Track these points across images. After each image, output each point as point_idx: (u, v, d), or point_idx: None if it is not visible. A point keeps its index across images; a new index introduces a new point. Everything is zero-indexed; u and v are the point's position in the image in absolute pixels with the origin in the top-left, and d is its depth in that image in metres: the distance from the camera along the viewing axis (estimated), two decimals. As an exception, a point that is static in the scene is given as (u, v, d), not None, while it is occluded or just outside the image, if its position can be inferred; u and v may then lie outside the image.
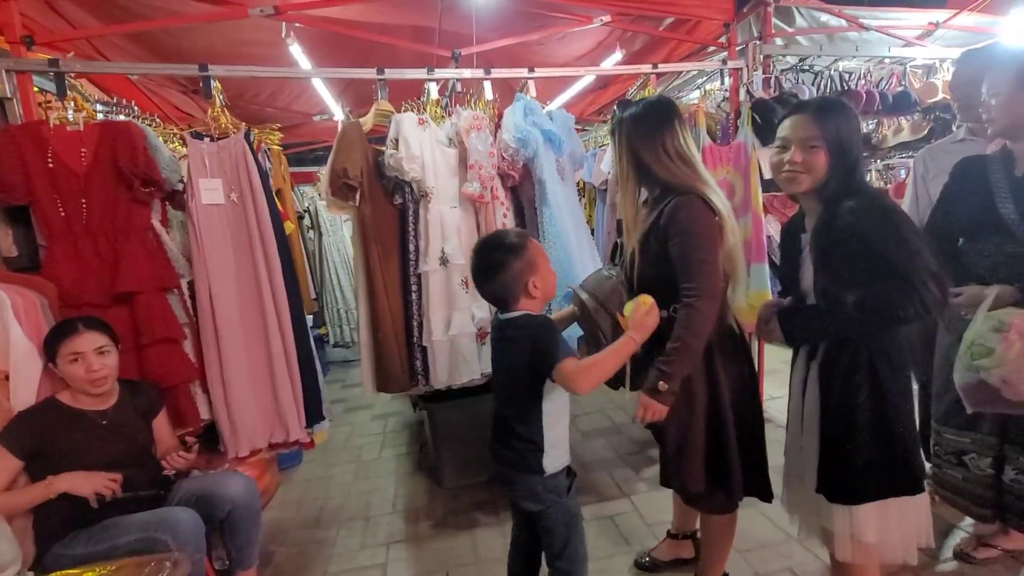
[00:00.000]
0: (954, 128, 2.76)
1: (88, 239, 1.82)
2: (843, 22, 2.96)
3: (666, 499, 1.92)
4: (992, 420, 1.55)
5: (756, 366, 1.54)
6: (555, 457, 1.41)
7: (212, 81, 2.00)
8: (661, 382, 1.38)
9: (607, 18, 2.65)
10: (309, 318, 2.74)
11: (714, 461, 1.49)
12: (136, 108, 2.10)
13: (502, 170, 2.24)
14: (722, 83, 2.84)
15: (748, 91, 2.66)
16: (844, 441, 1.31)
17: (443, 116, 2.33)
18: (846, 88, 2.86)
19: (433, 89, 2.31)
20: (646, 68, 2.64)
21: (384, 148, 2.15)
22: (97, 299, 1.80)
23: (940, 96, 2.87)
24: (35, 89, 1.93)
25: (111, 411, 1.69)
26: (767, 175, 2.58)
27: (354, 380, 4.78)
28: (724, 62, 2.74)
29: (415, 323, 2.24)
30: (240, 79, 2.55)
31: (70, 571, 1.45)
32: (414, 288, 2.23)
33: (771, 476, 1.58)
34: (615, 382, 1.49)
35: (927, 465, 1.67)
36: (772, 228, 2.69)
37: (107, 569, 1.44)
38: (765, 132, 2.48)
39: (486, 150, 2.17)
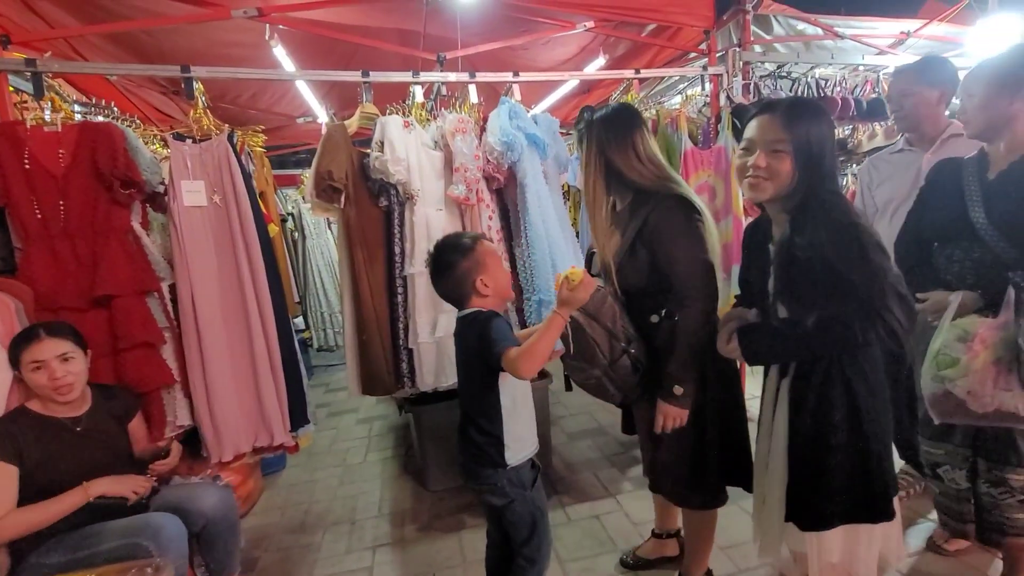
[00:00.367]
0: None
1: (66, 241, 1.78)
2: (819, 30, 3.04)
3: (652, 499, 1.94)
4: (963, 431, 1.49)
5: (738, 363, 1.55)
6: (517, 450, 1.45)
7: (195, 82, 1.98)
8: (676, 386, 1.42)
9: (591, 24, 2.69)
10: (297, 321, 2.71)
11: (697, 460, 1.52)
12: (116, 109, 2.07)
13: (487, 173, 2.26)
14: (703, 88, 2.89)
15: (728, 96, 2.72)
16: (816, 464, 1.24)
17: (428, 119, 2.34)
18: (823, 94, 2.93)
19: (418, 92, 2.32)
20: (629, 73, 2.68)
21: (369, 151, 2.16)
22: (74, 303, 1.76)
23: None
24: (11, 89, 1.89)
25: (84, 417, 1.65)
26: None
27: (338, 384, 4.73)
28: (705, 68, 2.80)
29: (401, 325, 2.24)
30: (221, 80, 2.52)
31: (48, 580, 1.43)
32: (400, 290, 2.23)
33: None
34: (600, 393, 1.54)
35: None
36: (752, 231, 2.74)
37: (87, 576, 1.42)
38: (745, 136, 2.54)
39: (471, 153, 2.19)
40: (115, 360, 1.80)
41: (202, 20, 2.18)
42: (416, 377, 2.24)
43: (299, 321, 4.43)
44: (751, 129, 1.26)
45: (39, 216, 1.75)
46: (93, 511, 1.55)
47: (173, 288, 1.97)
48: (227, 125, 2.10)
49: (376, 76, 2.20)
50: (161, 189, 1.94)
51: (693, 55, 3.06)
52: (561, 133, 2.56)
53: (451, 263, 1.43)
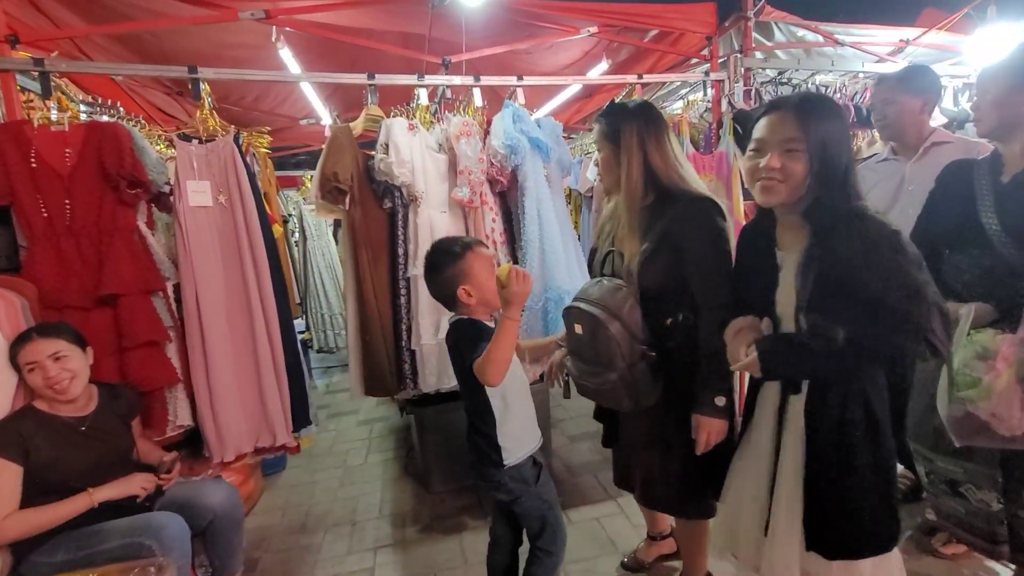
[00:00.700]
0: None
1: (71, 240, 1.79)
2: (819, 37, 3.07)
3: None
4: (989, 451, 1.37)
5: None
6: (512, 450, 1.47)
7: (201, 83, 1.99)
8: (719, 396, 1.37)
9: (594, 29, 2.71)
10: (297, 322, 2.72)
11: (693, 471, 1.50)
12: (122, 109, 2.08)
13: (491, 176, 2.27)
14: (705, 94, 2.91)
15: (730, 102, 2.74)
16: (839, 487, 1.16)
17: (433, 122, 2.35)
18: (823, 101, 2.95)
19: (423, 95, 2.33)
20: (631, 78, 2.70)
21: (374, 153, 2.17)
22: (79, 301, 1.77)
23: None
24: (17, 88, 1.90)
25: (90, 417, 1.66)
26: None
27: (338, 386, 4.73)
28: (706, 74, 2.82)
29: (404, 327, 2.25)
30: (225, 81, 2.53)
31: (50, 578, 1.43)
32: (403, 292, 2.24)
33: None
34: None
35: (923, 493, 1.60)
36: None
37: (90, 575, 1.41)
38: (746, 141, 2.56)
39: (475, 156, 2.20)
40: (120, 359, 1.80)
41: (209, 22, 2.19)
42: (418, 378, 2.25)
43: (299, 323, 4.43)
44: (761, 129, 1.18)
45: (45, 215, 1.76)
46: (97, 509, 1.55)
47: (177, 288, 1.97)
48: (233, 126, 2.11)
49: (381, 79, 2.21)
50: (167, 189, 1.95)
51: (695, 61, 3.08)
52: (563, 137, 2.58)
53: (437, 267, 1.47)
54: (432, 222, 2.20)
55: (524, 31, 2.74)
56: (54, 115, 1.82)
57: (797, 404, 1.22)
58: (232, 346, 2.00)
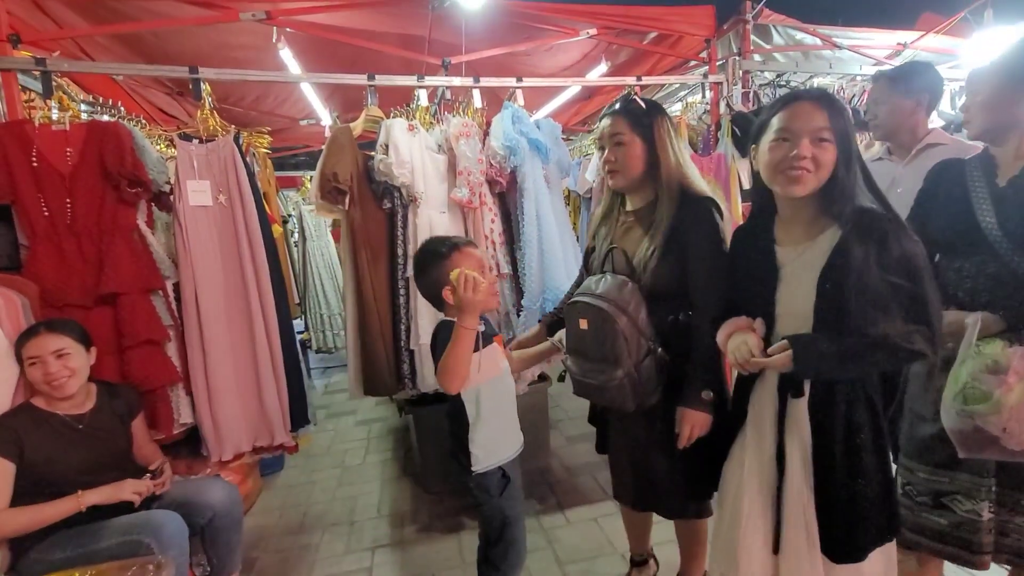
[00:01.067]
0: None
1: (72, 239, 1.79)
2: (818, 40, 3.08)
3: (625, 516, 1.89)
4: (981, 462, 1.32)
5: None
6: (481, 458, 1.46)
7: (202, 83, 2.00)
8: (706, 390, 1.37)
9: (593, 31, 2.72)
10: (296, 322, 2.72)
11: (692, 469, 1.49)
12: (123, 109, 2.09)
13: (490, 176, 2.28)
14: (703, 96, 2.93)
15: (728, 104, 2.75)
16: (848, 489, 1.15)
17: (432, 123, 2.36)
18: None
19: (423, 96, 2.34)
20: (630, 80, 2.71)
21: (374, 153, 2.18)
22: (80, 300, 1.78)
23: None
24: (19, 87, 1.91)
25: (88, 415, 1.66)
26: (746, 185, 2.67)
27: (336, 386, 4.74)
28: (705, 76, 2.83)
29: (403, 327, 2.25)
30: (225, 82, 2.54)
31: (48, 576, 1.43)
32: (402, 292, 2.25)
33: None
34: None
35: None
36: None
37: (89, 573, 1.42)
38: (744, 143, 2.58)
39: (475, 157, 2.21)
40: (120, 358, 1.80)
41: (211, 22, 2.20)
42: (417, 379, 2.25)
43: (298, 323, 4.43)
44: (786, 118, 1.14)
45: (46, 214, 1.76)
46: (96, 507, 1.55)
47: (177, 287, 1.98)
48: (233, 126, 2.12)
49: (382, 80, 2.22)
50: (167, 189, 1.96)
51: (694, 63, 3.10)
52: (563, 139, 2.59)
53: (424, 267, 1.47)
54: (431, 222, 2.21)
55: (523, 33, 2.75)
56: (55, 114, 1.83)
57: (799, 408, 1.19)
58: (231, 345, 2.00)
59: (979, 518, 1.32)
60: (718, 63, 2.85)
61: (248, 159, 2.13)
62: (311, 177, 4.79)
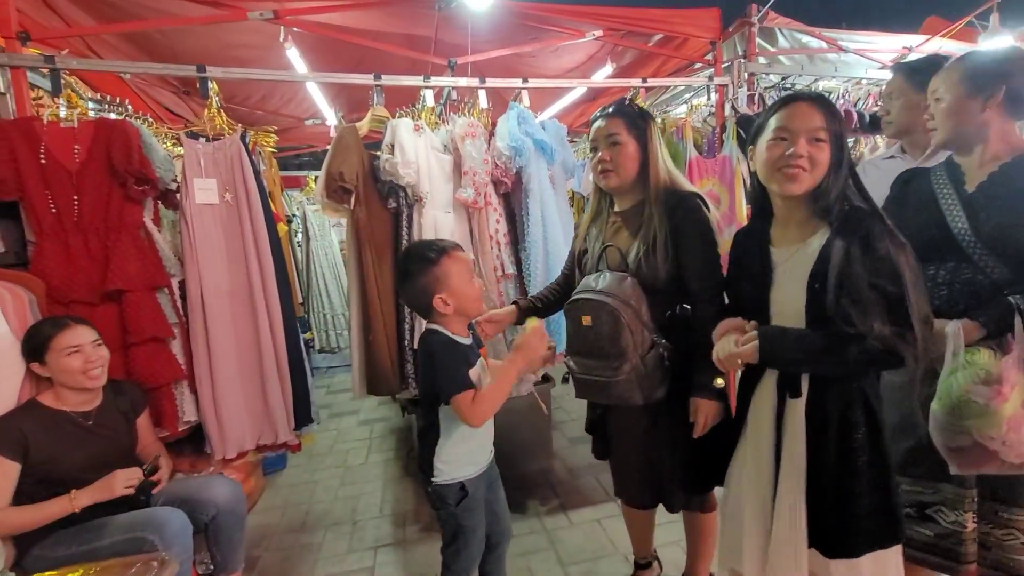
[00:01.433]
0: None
1: (79, 236, 1.80)
2: (823, 43, 3.09)
3: (627, 520, 1.87)
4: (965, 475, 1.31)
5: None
6: (444, 471, 1.45)
7: (209, 82, 2.01)
8: (719, 378, 1.38)
9: (599, 33, 2.72)
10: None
11: (700, 461, 1.50)
12: (130, 107, 2.09)
13: (495, 177, 2.28)
14: (708, 98, 2.93)
15: (733, 107, 2.75)
16: (841, 488, 1.16)
17: (438, 123, 2.36)
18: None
19: (429, 96, 2.34)
20: (636, 82, 2.72)
21: (379, 153, 2.18)
22: (86, 296, 1.78)
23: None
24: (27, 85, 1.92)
25: (95, 412, 1.67)
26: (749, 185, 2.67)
27: (339, 386, 4.74)
28: (710, 78, 2.83)
29: (407, 327, 2.25)
30: (231, 81, 2.56)
31: (52, 573, 1.43)
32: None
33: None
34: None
35: None
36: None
37: (92, 570, 1.42)
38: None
39: (480, 157, 2.21)
40: (125, 355, 1.81)
41: (218, 21, 2.21)
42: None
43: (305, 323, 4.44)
44: (784, 118, 1.16)
45: (53, 211, 1.77)
46: (98, 505, 1.55)
47: (183, 285, 1.98)
48: (240, 125, 2.12)
49: (388, 80, 2.23)
50: (174, 186, 1.96)
51: (699, 65, 3.10)
52: (568, 140, 2.59)
53: (409, 273, 1.42)
54: (436, 222, 2.21)
55: (529, 34, 2.76)
56: (63, 112, 1.84)
57: (796, 407, 1.21)
58: (236, 343, 2.01)
59: (963, 529, 1.31)
60: (723, 65, 2.85)
61: (254, 158, 2.14)
62: (315, 177, 4.82)
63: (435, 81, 2.33)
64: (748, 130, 2.55)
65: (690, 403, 1.43)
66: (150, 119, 2.26)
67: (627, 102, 1.57)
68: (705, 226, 1.46)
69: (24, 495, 1.50)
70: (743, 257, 1.34)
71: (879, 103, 1.94)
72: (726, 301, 1.44)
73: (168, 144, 2.37)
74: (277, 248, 2.08)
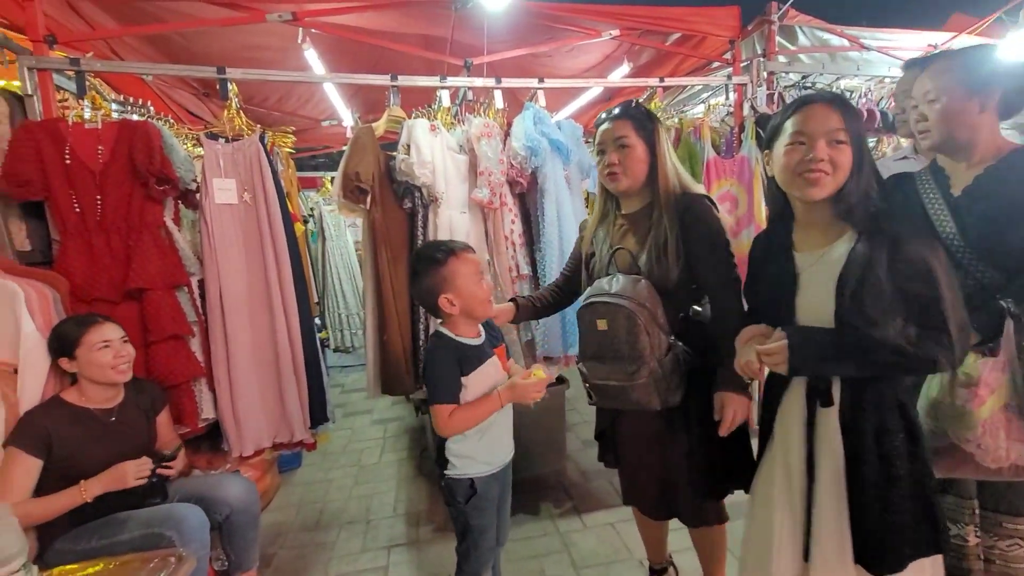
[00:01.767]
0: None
1: (101, 235, 1.83)
2: (845, 42, 3.03)
3: (639, 525, 1.86)
4: (963, 482, 1.29)
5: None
6: (459, 466, 1.46)
7: (229, 84, 2.03)
8: (734, 373, 1.31)
9: (616, 32, 2.70)
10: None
11: (712, 473, 1.47)
12: (152, 108, 2.13)
13: (511, 177, 2.28)
14: (727, 98, 2.89)
15: (752, 106, 2.71)
16: (881, 499, 1.11)
17: (453, 123, 2.37)
18: (847, 106, 2.91)
19: (445, 96, 2.35)
20: (653, 81, 2.69)
21: (395, 153, 2.19)
22: (108, 295, 1.81)
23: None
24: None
25: (117, 409, 1.69)
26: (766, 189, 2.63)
27: (353, 385, 4.77)
28: (729, 77, 2.79)
29: (421, 327, 2.25)
30: (250, 83, 2.59)
31: (72, 566, 1.45)
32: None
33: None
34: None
35: None
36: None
37: (111, 564, 1.44)
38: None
39: (496, 157, 2.21)
40: (146, 352, 1.83)
41: (237, 23, 2.23)
42: (435, 378, 2.25)
43: (316, 321, 4.47)
44: (800, 121, 1.13)
45: (77, 210, 1.80)
46: (119, 498, 1.58)
47: (202, 283, 2.00)
48: (259, 125, 2.14)
49: (404, 80, 2.24)
50: (194, 186, 1.99)
51: (716, 64, 3.06)
52: (584, 140, 2.58)
53: (418, 274, 1.44)
54: (452, 223, 2.21)
55: (545, 34, 2.75)
56: (87, 113, 1.87)
57: (829, 417, 1.16)
58: (253, 341, 2.02)
59: (965, 543, 1.27)
60: (742, 64, 2.82)
61: (272, 158, 2.16)
62: (331, 178, 4.87)
63: (451, 81, 2.33)
64: (767, 126, 2.53)
65: (715, 399, 1.39)
66: (171, 120, 2.30)
67: (634, 104, 1.55)
68: (716, 225, 1.44)
69: (46, 490, 1.52)
70: (764, 262, 1.30)
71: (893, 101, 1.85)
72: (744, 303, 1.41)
73: (188, 145, 2.41)
74: (294, 248, 2.10)
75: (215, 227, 1.96)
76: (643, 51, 3.14)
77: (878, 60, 3.08)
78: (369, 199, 2.15)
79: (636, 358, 1.34)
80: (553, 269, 2.27)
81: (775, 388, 1.29)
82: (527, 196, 2.40)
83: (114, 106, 2.07)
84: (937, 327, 1.03)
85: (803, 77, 3.02)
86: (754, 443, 1.45)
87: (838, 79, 3.06)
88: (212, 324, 1.97)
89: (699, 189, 1.52)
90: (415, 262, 1.48)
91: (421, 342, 2.25)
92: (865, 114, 2.80)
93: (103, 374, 1.62)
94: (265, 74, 2.18)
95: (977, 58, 1.26)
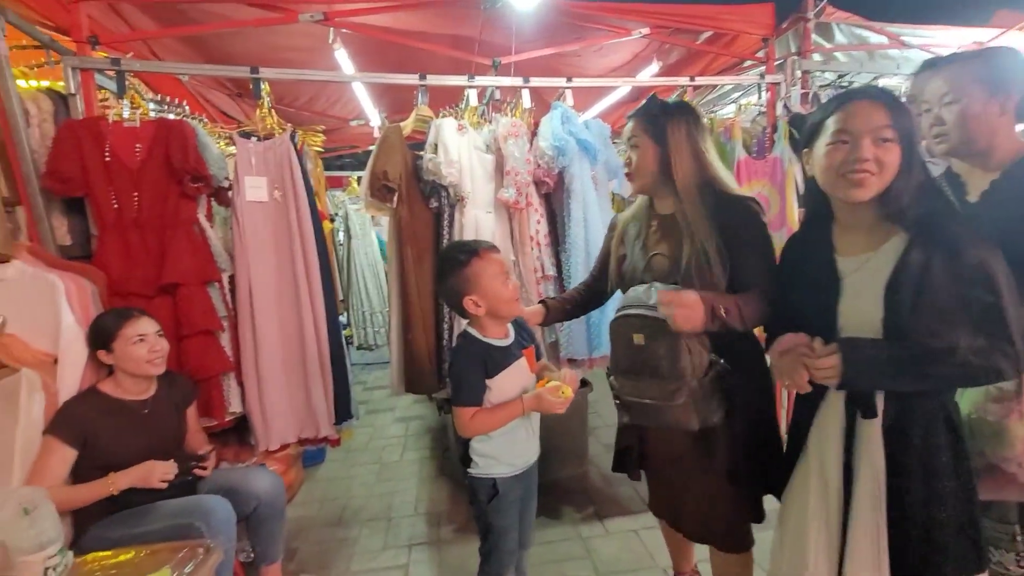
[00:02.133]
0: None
1: (137, 231, 1.87)
2: (884, 39, 2.93)
3: (664, 532, 1.82)
4: (1001, 505, 1.22)
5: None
6: (482, 465, 1.47)
7: (262, 83, 2.07)
8: (725, 309, 1.24)
9: (646, 31, 2.66)
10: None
11: (744, 495, 1.40)
12: (187, 108, 2.17)
13: (537, 177, 2.26)
14: (759, 97, 2.82)
15: (785, 105, 2.64)
16: (926, 516, 1.06)
17: (480, 123, 2.36)
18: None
19: (472, 96, 2.34)
20: (683, 80, 2.64)
21: (422, 153, 2.20)
22: (143, 289, 1.85)
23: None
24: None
25: (150, 401, 1.73)
26: (803, 190, 2.55)
27: (376, 383, 4.82)
28: (762, 76, 2.72)
29: (445, 326, 2.25)
30: (281, 84, 2.64)
31: (106, 552, 1.48)
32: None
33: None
34: None
35: None
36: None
37: (143, 553, 1.47)
38: (801, 145, 2.47)
39: (523, 157, 2.19)
40: (177, 346, 1.87)
41: (271, 24, 2.27)
42: (458, 378, 2.25)
43: (341, 319, 4.53)
44: (843, 119, 1.07)
45: (115, 206, 1.85)
46: (147, 490, 1.60)
47: (232, 279, 2.04)
48: (290, 124, 2.17)
49: (433, 80, 2.24)
50: (226, 184, 2.02)
51: (748, 63, 2.99)
52: (611, 140, 2.55)
53: (442, 275, 1.44)
54: (477, 222, 2.21)
55: (574, 33, 2.72)
56: (126, 112, 1.92)
57: (870, 429, 1.10)
58: (281, 337, 2.05)
59: (1007, 572, 1.21)
60: (776, 63, 2.74)
61: (301, 157, 2.18)
62: (358, 177, 4.92)
63: (479, 81, 2.33)
64: (802, 130, 2.46)
65: (685, 293, 1.23)
66: (205, 119, 2.35)
67: (652, 99, 1.48)
68: (763, 227, 1.35)
69: (80, 478, 1.57)
70: (802, 266, 1.23)
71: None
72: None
73: (221, 144, 2.45)
74: (322, 245, 2.12)
75: (246, 224, 2.00)
76: (673, 50, 3.09)
77: (920, 58, 2.96)
78: (396, 198, 2.16)
79: (677, 378, 1.25)
80: (578, 270, 2.25)
81: (810, 397, 1.20)
82: (553, 196, 2.38)
83: (151, 105, 2.12)
84: (999, 335, 0.98)
85: (839, 76, 2.93)
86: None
87: (876, 78, 2.96)
88: (241, 320, 2.00)
89: (738, 190, 1.43)
90: (440, 263, 1.48)
91: (445, 342, 2.25)
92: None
93: (138, 367, 1.66)
94: (298, 73, 2.21)
95: (998, 59, 1.21)
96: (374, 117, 3.70)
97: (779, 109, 2.68)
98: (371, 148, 2.18)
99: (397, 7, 2.33)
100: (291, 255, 2.05)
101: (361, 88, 3.21)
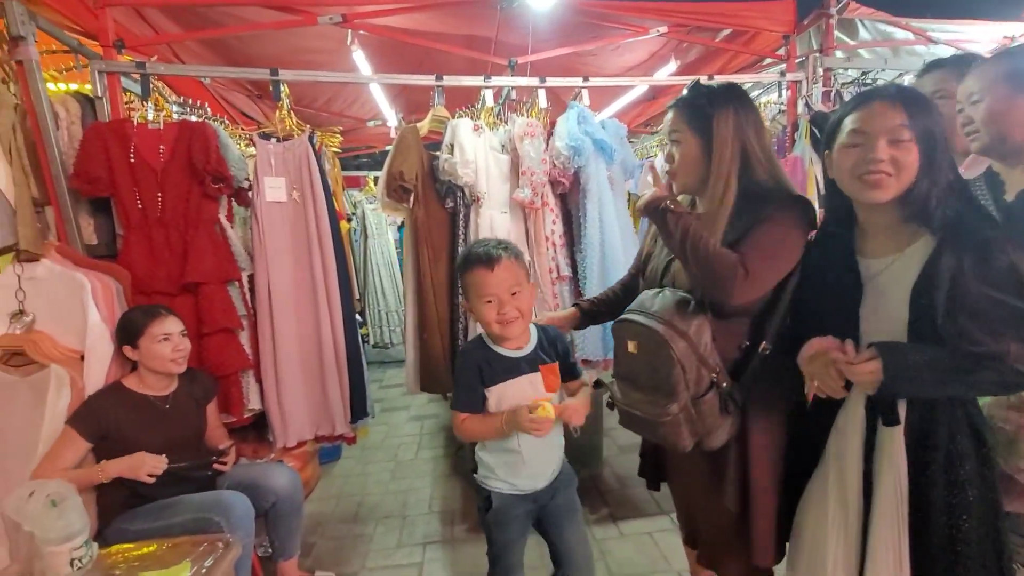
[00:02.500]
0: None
1: (161, 231, 1.91)
2: (910, 35, 2.85)
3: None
4: (1019, 518, 1.18)
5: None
6: (481, 473, 1.47)
7: (281, 85, 2.09)
8: (673, 208, 1.18)
9: (664, 29, 2.64)
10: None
11: (768, 520, 1.26)
12: (208, 109, 2.21)
13: (553, 177, 2.25)
14: (780, 95, 2.77)
15: (807, 104, 2.59)
16: (950, 526, 1.03)
17: (496, 123, 2.36)
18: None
19: (488, 96, 2.35)
20: (702, 79, 2.61)
21: (438, 153, 2.21)
22: (166, 288, 1.89)
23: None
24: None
25: (172, 397, 1.77)
26: (824, 190, 2.50)
27: (391, 381, 4.85)
28: (782, 74, 2.68)
29: (460, 326, 2.26)
30: (299, 86, 2.67)
31: (129, 545, 1.52)
32: (461, 291, 2.25)
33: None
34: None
35: None
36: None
37: (164, 546, 1.50)
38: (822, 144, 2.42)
39: (539, 157, 2.19)
40: (198, 344, 1.91)
41: (291, 26, 2.30)
42: (473, 378, 2.25)
43: (358, 318, 4.58)
44: (859, 119, 1.04)
45: (140, 206, 1.89)
46: (168, 484, 1.65)
47: (252, 278, 2.07)
48: (308, 126, 2.20)
49: (449, 80, 2.25)
50: (246, 185, 2.06)
51: (768, 61, 2.95)
52: (628, 141, 2.53)
53: (459, 274, 1.47)
54: (493, 222, 2.21)
55: (591, 32, 2.70)
56: (151, 114, 1.97)
57: (892, 437, 1.07)
58: (299, 336, 2.08)
59: None
60: (797, 60, 2.69)
61: (320, 157, 2.21)
62: (374, 177, 4.96)
63: (495, 81, 2.33)
64: (823, 128, 2.42)
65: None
66: (226, 121, 2.39)
67: (696, 86, 1.32)
68: (791, 230, 1.17)
69: None
70: (821, 268, 1.19)
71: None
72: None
73: (242, 145, 2.50)
74: (340, 245, 2.15)
75: (265, 224, 2.03)
76: (691, 48, 3.05)
77: (947, 55, 2.89)
78: (412, 198, 2.17)
79: (666, 392, 1.16)
80: (594, 270, 2.24)
81: (829, 402, 1.16)
82: (568, 196, 2.37)
83: (175, 108, 2.17)
84: None
85: (863, 73, 2.86)
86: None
87: (901, 75, 2.89)
88: (260, 318, 2.03)
89: (793, 189, 1.26)
90: (458, 263, 1.48)
91: (460, 341, 2.26)
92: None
93: (161, 365, 1.70)
94: (316, 75, 2.24)
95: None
96: (391, 118, 3.73)
97: (800, 107, 2.64)
98: (388, 148, 2.19)
99: (414, 8, 2.35)
100: (309, 255, 2.07)
101: (378, 89, 3.23)
